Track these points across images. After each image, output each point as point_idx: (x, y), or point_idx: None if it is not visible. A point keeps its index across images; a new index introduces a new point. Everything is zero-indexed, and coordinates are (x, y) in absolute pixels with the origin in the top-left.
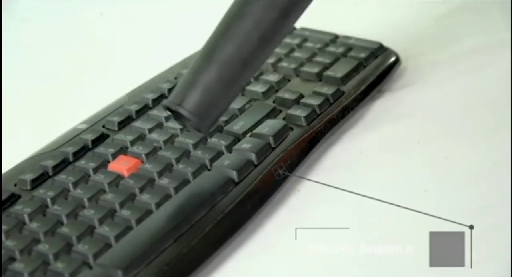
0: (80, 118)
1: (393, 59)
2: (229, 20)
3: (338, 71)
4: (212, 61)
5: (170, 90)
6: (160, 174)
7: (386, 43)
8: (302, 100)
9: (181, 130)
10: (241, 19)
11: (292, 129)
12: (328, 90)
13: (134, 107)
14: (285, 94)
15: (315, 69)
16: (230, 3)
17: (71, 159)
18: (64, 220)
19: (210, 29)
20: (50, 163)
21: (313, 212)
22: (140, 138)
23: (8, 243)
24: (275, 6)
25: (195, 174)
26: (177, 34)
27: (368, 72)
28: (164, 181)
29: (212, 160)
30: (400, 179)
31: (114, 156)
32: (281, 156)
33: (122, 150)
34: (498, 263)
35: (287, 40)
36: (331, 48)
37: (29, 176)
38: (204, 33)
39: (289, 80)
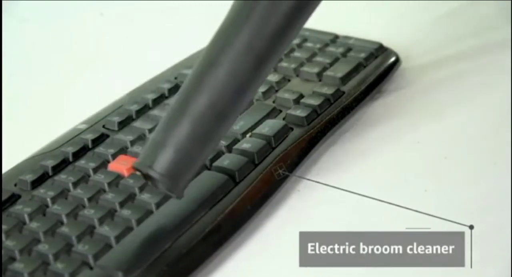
0: (80, 118)
1: (393, 59)
2: (202, 71)
3: (338, 71)
4: (183, 117)
5: (170, 90)
6: None
7: (386, 43)
8: (302, 100)
9: None
10: (215, 70)
11: (292, 129)
12: (328, 90)
13: (134, 107)
14: (285, 94)
15: (315, 69)
16: (230, 3)
17: (71, 159)
18: (64, 220)
19: (210, 29)
20: (50, 163)
21: (313, 212)
22: (140, 138)
23: (8, 243)
24: (251, 55)
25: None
26: (177, 34)
27: (368, 72)
28: None
29: (212, 160)
30: (400, 179)
31: (114, 156)
32: (281, 156)
33: (122, 150)
34: (498, 263)
35: None
36: (331, 48)
37: (29, 176)
38: (204, 32)
39: (289, 80)
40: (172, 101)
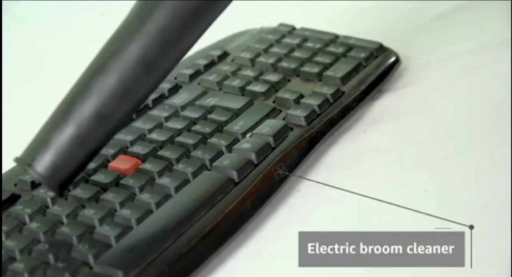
0: None
1: (393, 59)
2: (91, 75)
3: (338, 71)
4: (68, 118)
5: (169, 90)
6: (160, 173)
7: (386, 43)
8: (302, 100)
9: (181, 130)
10: (104, 75)
11: (292, 129)
12: (328, 90)
13: None
14: (285, 94)
15: (315, 69)
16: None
17: None
18: (64, 220)
19: (210, 29)
20: None
21: (313, 212)
22: (140, 138)
23: (8, 243)
24: (142, 62)
25: (195, 174)
26: None
27: (368, 72)
28: (164, 180)
29: (212, 160)
30: (400, 179)
31: (114, 156)
32: (281, 156)
33: (122, 150)
34: (498, 263)
35: (287, 40)
36: (331, 48)
37: (29, 177)
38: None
39: (289, 80)
40: (60, 100)
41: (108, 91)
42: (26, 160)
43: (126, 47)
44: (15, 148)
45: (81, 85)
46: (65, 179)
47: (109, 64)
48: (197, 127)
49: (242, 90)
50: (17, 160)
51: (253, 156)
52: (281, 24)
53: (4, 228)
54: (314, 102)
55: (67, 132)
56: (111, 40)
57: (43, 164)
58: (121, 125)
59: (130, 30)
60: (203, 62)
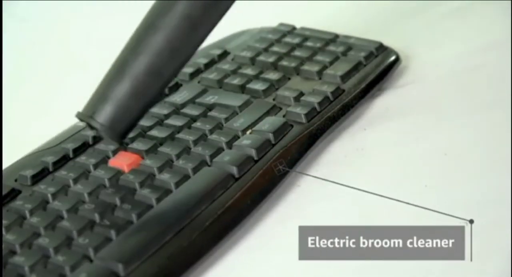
0: None
1: (393, 58)
2: (141, 34)
3: (338, 69)
4: (124, 74)
5: (170, 88)
6: (160, 169)
7: (386, 43)
8: (302, 98)
9: (181, 127)
10: (152, 33)
11: (292, 126)
12: (328, 88)
13: None
14: (285, 92)
15: (315, 68)
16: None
17: (71, 155)
18: (65, 215)
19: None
20: (50, 159)
21: (313, 206)
22: (141, 134)
23: (8, 237)
24: (187, 21)
25: (195, 170)
26: None
27: (368, 71)
28: (165, 176)
29: (212, 156)
30: (400, 174)
31: (114, 152)
32: (281, 152)
33: (122, 147)
34: (498, 257)
35: (288, 39)
36: (331, 47)
37: (29, 172)
38: None
39: (289, 79)
40: (115, 58)
41: (158, 49)
42: (87, 113)
43: (171, 8)
44: (15, 146)
45: (133, 43)
46: (124, 129)
47: (157, 23)
48: (198, 124)
49: (242, 88)
50: (79, 114)
51: (253, 152)
52: (281, 24)
53: (4, 222)
54: (314, 99)
55: (123, 87)
56: (158, 2)
57: (104, 115)
58: (171, 79)
59: None
60: (204, 60)
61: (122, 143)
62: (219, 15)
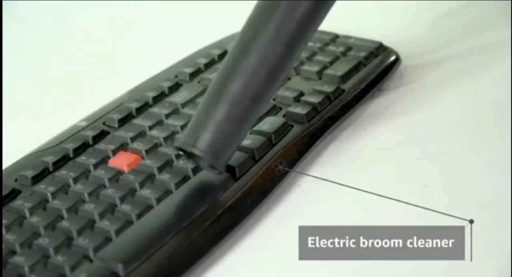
0: (80, 116)
1: (393, 58)
2: (236, 58)
3: (338, 69)
4: (221, 100)
5: (170, 88)
6: (161, 170)
7: (386, 43)
8: (303, 98)
9: (181, 127)
10: (247, 56)
11: (292, 126)
12: (328, 88)
13: (134, 105)
14: (285, 92)
15: (315, 68)
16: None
17: (71, 155)
18: (65, 214)
19: (210, 28)
20: (50, 159)
21: (313, 206)
22: (141, 134)
23: (8, 236)
24: (280, 41)
25: (195, 170)
26: (178, 33)
27: (368, 71)
28: (165, 176)
29: None
30: (400, 174)
31: (115, 152)
32: (281, 152)
33: (123, 147)
34: (498, 257)
35: None
36: (331, 47)
37: (29, 172)
38: (205, 31)
39: (289, 79)
40: (209, 86)
41: (253, 72)
42: (190, 142)
43: (263, 29)
44: (15, 145)
45: (228, 68)
46: (226, 154)
47: (251, 47)
48: None
49: None
50: (181, 144)
51: (253, 152)
52: None
53: (4, 222)
54: (314, 100)
55: (222, 113)
56: (248, 24)
57: (205, 142)
58: (268, 99)
59: (265, 12)
60: (204, 61)
61: (223, 171)
62: (312, 32)
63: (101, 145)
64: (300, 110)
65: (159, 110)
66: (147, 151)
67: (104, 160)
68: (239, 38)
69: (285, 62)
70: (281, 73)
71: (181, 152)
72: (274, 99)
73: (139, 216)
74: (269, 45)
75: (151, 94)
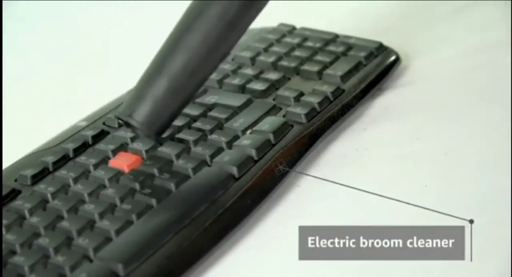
0: (80, 116)
1: (393, 58)
2: (178, 34)
3: (338, 69)
4: (161, 74)
5: None
6: (160, 170)
7: (386, 43)
8: (302, 98)
9: (181, 127)
10: (189, 33)
11: (292, 126)
12: (328, 88)
13: None
14: (285, 92)
15: (315, 68)
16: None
17: (71, 155)
18: (65, 214)
19: None
20: (50, 159)
21: (313, 206)
22: None
23: (8, 237)
24: (223, 20)
25: (195, 170)
26: None
27: (368, 71)
28: (165, 176)
29: (212, 156)
30: (400, 174)
31: (115, 152)
32: (281, 152)
33: (122, 147)
34: (498, 257)
35: (288, 39)
36: (331, 47)
37: (29, 172)
38: None
39: (289, 79)
40: (152, 59)
41: (195, 49)
42: (127, 112)
43: (207, 8)
44: (15, 145)
45: (170, 44)
46: (160, 127)
47: (193, 24)
48: (198, 124)
49: (242, 88)
50: (117, 113)
51: (253, 153)
52: (281, 24)
53: (4, 222)
54: (314, 100)
55: (161, 86)
56: (194, 3)
57: (142, 114)
58: (207, 78)
59: None
60: None
61: (159, 140)
62: (254, 14)
63: (101, 145)
64: (300, 110)
65: None
66: (147, 151)
67: (104, 160)
68: (184, 15)
69: (226, 41)
70: (221, 51)
71: (121, 121)
72: (274, 99)
73: (139, 216)
74: (212, 23)
75: None
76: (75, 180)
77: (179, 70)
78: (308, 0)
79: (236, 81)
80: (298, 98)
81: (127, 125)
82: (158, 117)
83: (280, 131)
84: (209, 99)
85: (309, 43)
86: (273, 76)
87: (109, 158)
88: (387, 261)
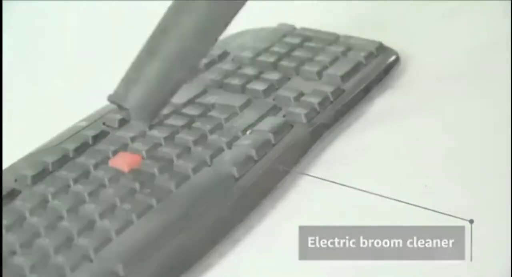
0: (80, 116)
1: (393, 58)
2: (170, 18)
3: (338, 69)
4: (153, 57)
5: None
6: (161, 170)
7: (386, 43)
8: (303, 98)
9: (181, 127)
10: (180, 17)
11: (292, 126)
12: (328, 88)
13: None
14: (285, 92)
15: (316, 68)
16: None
17: (71, 155)
18: (65, 215)
19: None
20: (50, 159)
21: (313, 206)
22: (141, 135)
23: (8, 237)
24: (213, 4)
25: (195, 170)
26: None
27: (368, 71)
28: (165, 176)
29: (212, 156)
30: (400, 174)
31: (115, 152)
32: (281, 152)
33: (123, 147)
34: (498, 257)
35: (288, 39)
36: (332, 48)
37: (29, 172)
38: None
39: (289, 79)
40: (142, 44)
41: (185, 34)
42: (119, 95)
43: None
44: (15, 144)
45: (161, 28)
46: (153, 110)
47: (184, 7)
48: (198, 124)
49: (243, 88)
50: (110, 97)
51: (253, 152)
52: (281, 24)
53: (4, 222)
54: (314, 100)
55: (152, 71)
56: None
57: (134, 98)
58: (198, 62)
59: None
60: (204, 60)
61: (149, 125)
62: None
63: (101, 145)
64: (300, 110)
65: None
66: (147, 151)
67: (104, 160)
68: (174, 3)
69: (216, 25)
70: (211, 35)
71: (114, 104)
72: (274, 99)
73: (139, 216)
74: (202, 7)
75: None
76: (75, 180)
77: (171, 54)
78: (308, 0)
79: (236, 81)
80: (298, 98)
81: (120, 108)
82: (150, 100)
83: (280, 131)
84: (209, 99)
85: (309, 44)
86: (273, 76)
87: (109, 158)
88: (387, 261)
